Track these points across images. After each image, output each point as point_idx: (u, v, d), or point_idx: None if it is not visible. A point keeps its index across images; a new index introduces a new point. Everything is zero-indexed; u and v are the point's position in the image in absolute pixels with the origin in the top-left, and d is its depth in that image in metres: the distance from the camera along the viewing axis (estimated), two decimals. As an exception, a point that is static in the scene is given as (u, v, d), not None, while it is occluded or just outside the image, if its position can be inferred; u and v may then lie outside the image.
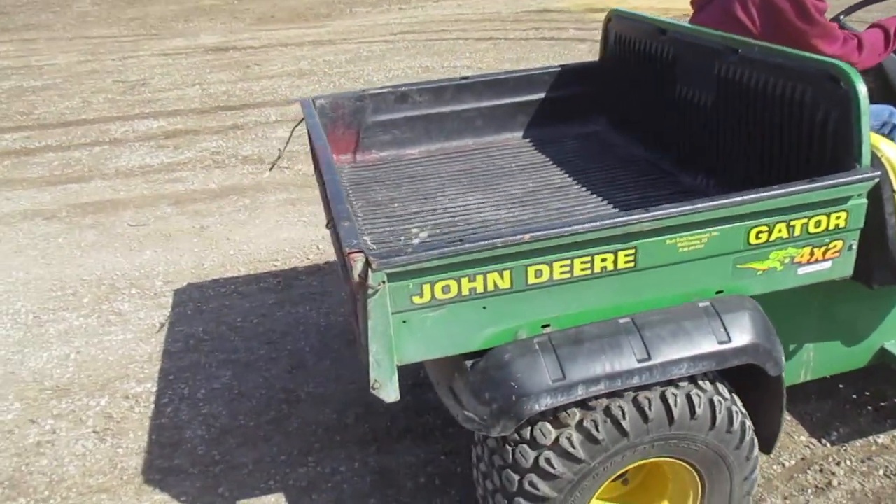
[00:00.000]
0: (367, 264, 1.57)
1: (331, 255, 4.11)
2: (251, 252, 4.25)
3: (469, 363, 1.80)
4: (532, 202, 2.53)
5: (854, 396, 2.75)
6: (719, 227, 1.77)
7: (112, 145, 6.25)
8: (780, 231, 1.83)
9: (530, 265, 1.69)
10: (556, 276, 1.72)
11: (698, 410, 1.81)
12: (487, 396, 1.74)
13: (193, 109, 7.24)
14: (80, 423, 2.89)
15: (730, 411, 1.86)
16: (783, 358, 1.88)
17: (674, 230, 1.74)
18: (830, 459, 2.47)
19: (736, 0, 2.52)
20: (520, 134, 3.19)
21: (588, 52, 8.68)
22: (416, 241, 2.26)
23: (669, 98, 2.68)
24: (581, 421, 1.78)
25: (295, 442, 2.73)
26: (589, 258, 1.72)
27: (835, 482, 2.38)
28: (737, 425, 1.87)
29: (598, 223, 1.68)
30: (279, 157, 2.94)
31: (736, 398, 1.91)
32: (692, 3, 2.81)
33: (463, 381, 1.80)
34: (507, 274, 1.69)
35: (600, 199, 2.50)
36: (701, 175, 2.57)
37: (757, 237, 1.82)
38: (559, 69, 3.13)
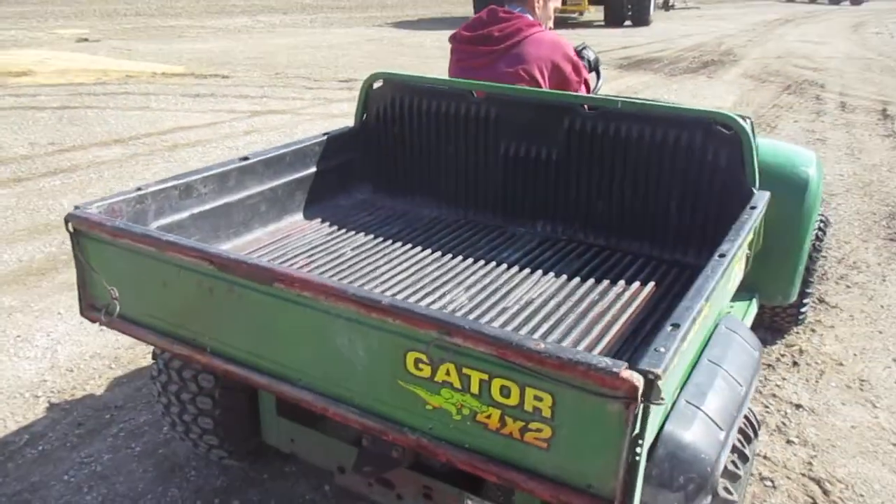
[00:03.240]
0: (653, 378, 1.32)
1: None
2: None
3: (638, 456, 1.64)
4: (444, 282, 2.33)
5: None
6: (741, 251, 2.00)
7: None
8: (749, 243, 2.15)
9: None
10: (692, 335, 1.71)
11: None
12: (682, 480, 1.62)
13: None
14: None
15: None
16: None
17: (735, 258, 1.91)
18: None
19: (532, 63, 2.78)
20: (300, 215, 2.80)
21: (55, 119, 7.56)
22: None
23: (488, 156, 2.75)
24: (725, 467, 1.80)
25: None
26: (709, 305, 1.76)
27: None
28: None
29: (722, 260, 1.74)
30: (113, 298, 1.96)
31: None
32: (459, 65, 2.92)
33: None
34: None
35: (494, 265, 2.46)
36: (542, 223, 2.73)
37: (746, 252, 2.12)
38: (325, 138, 2.85)
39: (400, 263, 2.45)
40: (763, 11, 21.45)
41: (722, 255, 1.83)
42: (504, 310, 2.15)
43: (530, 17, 2.91)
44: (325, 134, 2.87)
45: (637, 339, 2.03)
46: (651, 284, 2.33)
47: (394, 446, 2.06)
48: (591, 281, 2.35)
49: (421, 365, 1.54)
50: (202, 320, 1.88)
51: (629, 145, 2.50)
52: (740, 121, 2.30)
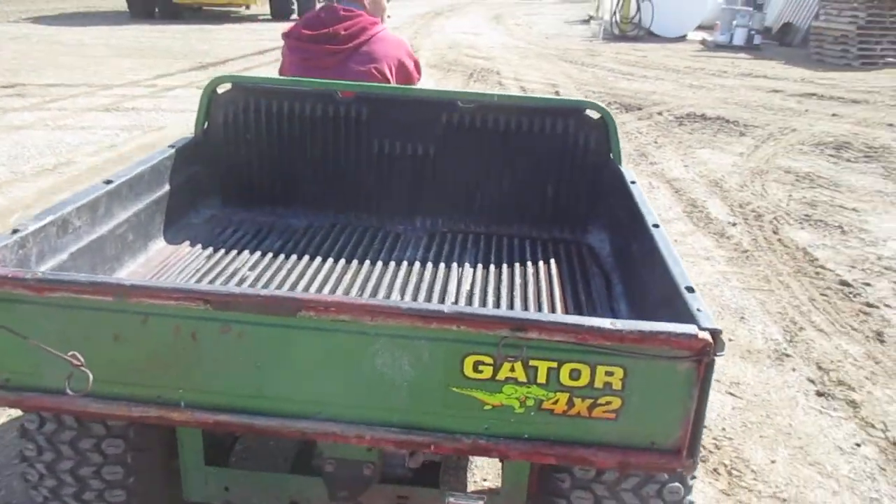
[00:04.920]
0: (718, 333, 1.51)
1: None
2: None
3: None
4: (372, 286, 2.27)
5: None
6: None
7: None
8: None
9: None
10: None
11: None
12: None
13: None
14: None
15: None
16: None
17: None
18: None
19: (382, 60, 2.78)
20: (163, 241, 2.47)
21: None
22: None
23: (360, 156, 2.69)
24: None
25: None
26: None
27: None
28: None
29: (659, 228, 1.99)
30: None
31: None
32: (305, 65, 2.78)
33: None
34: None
35: (406, 263, 2.43)
36: (421, 219, 2.76)
37: None
38: (173, 151, 2.52)
39: (313, 276, 2.30)
40: (412, 4, 23.21)
41: (656, 225, 2.08)
42: (453, 304, 2.17)
43: (366, 14, 2.90)
44: (171, 146, 2.54)
45: (583, 309, 2.21)
46: (552, 261, 2.53)
47: (365, 464, 1.98)
48: (504, 266, 2.46)
49: (481, 367, 1.53)
50: (174, 371, 1.61)
51: (507, 136, 2.65)
52: (604, 107, 2.59)
